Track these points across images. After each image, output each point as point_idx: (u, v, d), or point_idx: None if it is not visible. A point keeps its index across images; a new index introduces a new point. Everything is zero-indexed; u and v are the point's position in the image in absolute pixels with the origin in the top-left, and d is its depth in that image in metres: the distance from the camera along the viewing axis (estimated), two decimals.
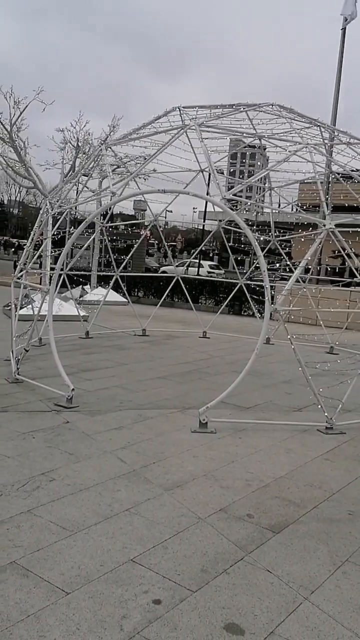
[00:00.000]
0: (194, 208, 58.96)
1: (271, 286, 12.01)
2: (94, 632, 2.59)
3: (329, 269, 23.88)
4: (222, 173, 15.41)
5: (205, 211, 21.85)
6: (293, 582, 3.15)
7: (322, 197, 6.98)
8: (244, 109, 7.99)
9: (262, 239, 12.91)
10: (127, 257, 12.92)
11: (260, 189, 14.53)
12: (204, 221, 21.68)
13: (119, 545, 3.37)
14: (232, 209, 13.93)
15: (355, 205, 9.69)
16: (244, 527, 3.75)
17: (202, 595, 2.94)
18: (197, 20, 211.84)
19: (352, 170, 8.79)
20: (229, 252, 13.95)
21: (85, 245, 12.02)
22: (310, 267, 14.96)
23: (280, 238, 12.45)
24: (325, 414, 6.12)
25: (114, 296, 15.51)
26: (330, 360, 9.99)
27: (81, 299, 15.13)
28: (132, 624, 2.67)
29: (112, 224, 16.33)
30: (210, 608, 2.85)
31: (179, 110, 7.97)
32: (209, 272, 30.93)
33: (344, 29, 18.50)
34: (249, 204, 9.62)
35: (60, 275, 10.36)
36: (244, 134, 7.78)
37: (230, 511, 3.96)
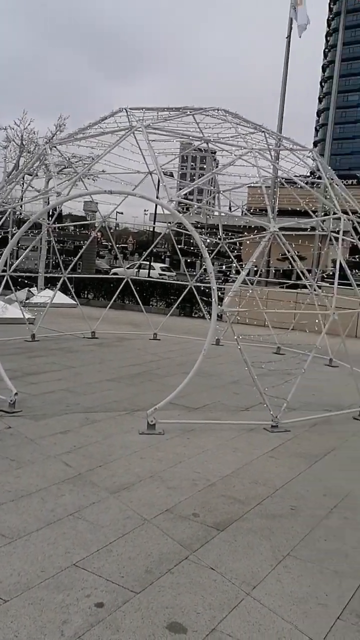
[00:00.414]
0: (145, 210, 58.92)
1: (220, 288, 12.18)
2: (33, 639, 2.55)
3: (277, 271, 24.41)
4: (172, 175, 15.49)
5: (155, 213, 21.87)
6: (236, 578, 3.20)
7: (267, 201, 7.13)
8: (190, 112, 8.07)
9: (208, 241, 13.05)
10: (76, 259, 12.76)
11: (209, 192, 14.68)
12: (154, 223, 21.70)
13: (62, 550, 3.32)
14: (182, 212, 14.01)
15: (299, 209, 9.95)
16: (190, 526, 3.78)
17: (145, 596, 2.95)
18: (151, 24, 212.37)
19: (296, 176, 9.04)
20: (179, 254, 14.02)
21: (31, 246, 11.78)
22: (257, 268, 15.25)
23: (229, 241, 12.63)
24: (271, 413, 6.25)
25: (62, 298, 15.28)
26: (276, 360, 10.20)
27: (27, 301, 14.82)
28: (74, 628, 2.64)
29: (59, 225, 16.09)
30: (153, 608, 2.85)
31: (126, 112, 7.96)
32: (160, 274, 30.99)
33: (288, 38, 18.97)
34: (196, 206, 9.73)
35: (3, 276, 10.14)
36: (191, 137, 7.85)
37: (176, 511, 3.98)
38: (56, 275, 13.89)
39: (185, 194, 7.05)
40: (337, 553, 3.59)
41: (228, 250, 12.64)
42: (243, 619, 2.83)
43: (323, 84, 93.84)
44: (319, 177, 8.92)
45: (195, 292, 13.20)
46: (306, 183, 8.81)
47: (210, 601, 2.96)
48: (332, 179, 8.96)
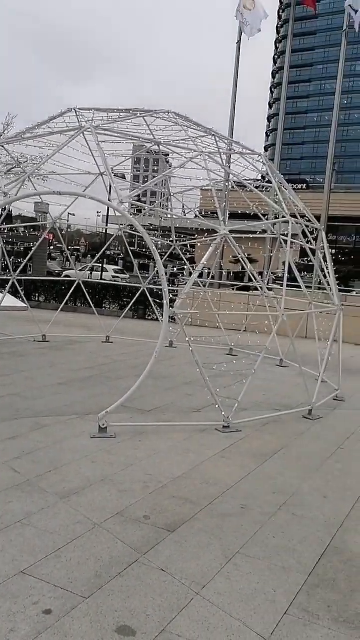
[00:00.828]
0: (97, 212, 58.47)
1: (172, 290, 12.21)
2: None
3: (230, 273, 24.72)
4: (124, 177, 15.44)
5: (107, 215, 21.74)
6: (186, 578, 3.22)
7: (217, 204, 7.21)
8: (140, 114, 8.07)
9: (160, 243, 13.08)
10: (26, 260, 12.52)
11: (162, 194, 14.70)
12: (107, 225, 21.56)
13: (9, 558, 3.25)
14: (134, 214, 13.98)
15: (249, 212, 10.12)
16: (140, 528, 3.77)
17: (94, 601, 2.92)
18: (107, 25, 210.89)
19: (246, 180, 9.19)
20: (132, 256, 13.98)
21: None
22: (208, 270, 15.40)
23: (181, 243, 12.69)
24: (223, 413, 6.32)
25: (12, 301, 14.91)
26: (228, 362, 10.33)
27: None
28: (21, 636, 2.59)
29: (8, 226, 15.74)
30: (102, 613, 2.83)
31: (75, 112, 7.88)
32: (113, 277, 30.79)
33: (238, 43, 19.27)
34: (147, 209, 9.73)
35: None
36: (142, 139, 7.86)
37: (127, 514, 3.97)
38: (5, 277, 13.57)
39: (138, 196, 7.04)
40: (285, 549, 3.67)
41: (180, 252, 12.70)
42: (192, 619, 2.85)
43: (273, 89, 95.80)
44: (269, 181, 9.09)
45: (148, 295, 13.20)
46: (257, 187, 8.97)
47: (160, 602, 2.96)
48: (281, 183, 9.16)
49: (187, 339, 6.40)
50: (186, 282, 14.71)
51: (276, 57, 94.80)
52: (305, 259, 10.54)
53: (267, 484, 4.77)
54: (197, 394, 7.88)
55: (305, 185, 54.38)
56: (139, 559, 3.37)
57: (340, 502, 4.52)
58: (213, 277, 18.47)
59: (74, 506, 4.01)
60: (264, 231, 12.41)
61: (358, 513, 4.35)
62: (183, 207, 14.85)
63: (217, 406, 6.36)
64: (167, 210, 12.60)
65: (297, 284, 9.01)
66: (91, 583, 3.08)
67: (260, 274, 14.87)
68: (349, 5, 18.97)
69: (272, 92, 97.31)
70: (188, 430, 6.14)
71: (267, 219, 9.94)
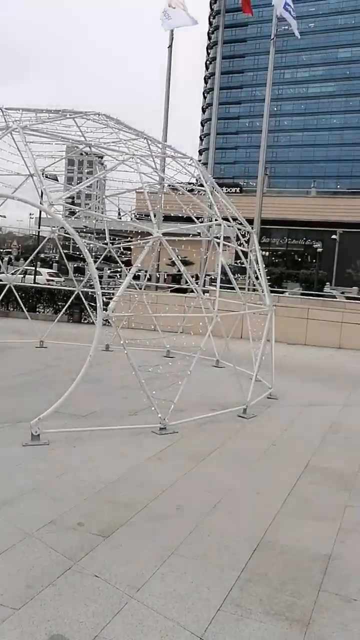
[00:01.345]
0: (30, 214, 56.98)
1: (107, 293, 12.12)
2: None
3: (167, 275, 24.83)
4: (56, 179, 15.16)
5: (40, 217, 21.28)
6: (120, 583, 3.20)
7: (149, 207, 7.23)
8: (70, 115, 7.96)
9: (92, 245, 12.95)
10: None
11: (95, 196, 14.58)
12: (39, 227, 21.11)
13: None
14: (67, 216, 13.76)
15: (185, 215, 10.22)
16: (74, 536, 3.72)
17: (25, 612, 2.85)
18: (38, 24, 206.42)
19: (180, 183, 9.27)
20: (65, 259, 13.75)
21: None
22: (143, 272, 15.39)
23: (116, 245, 12.62)
24: (159, 415, 6.33)
25: None
26: (165, 363, 10.36)
27: None
28: None
29: None
30: (34, 623, 2.77)
31: (1, 112, 7.66)
32: (48, 280, 30.15)
33: (170, 47, 19.44)
34: (78, 211, 9.61)
35: None
36: (72, 141, 7.76)
37: (60, 522, 3.90)
38: None
39: (72, 198, 6.94)
40: (219, 547, 3.73)
41: (115, 255, 12.62)
42: (126, 622, 2.84)
43: (206, 95, 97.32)
44: (201, 185, 9.22)
45: (83, 298, 13.03)
46: (190, 190, 9.08)
47: (93, 609, 2.93)
48: (213, 187, 9.31)
49: (121, 342, 6.37)
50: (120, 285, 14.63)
51: (208, 62, 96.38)
52: (239, 261, 10.77)
53: (203, 484, 4.83)
54: (133, 397, 7.84)
55: (238, 189, 55.55)
56: (72, 567, 3.32)
57: (272, 497, 4.65)
58: (150, 280, 18.50)
59: (5, 517, 3.89)
60: (199, 234, 12.59)
61: (289, 507, 4.48)
62: (119, 209, 14.81)
63: (153, 408, 6.37)
64: (101, 212, 12.49)
65: (232, 285, 9.20)
66: (22, 594, 3.00)
67: (195, 276, 15.05)
68: (277, 16, 19.58)
69: (204, 97, 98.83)
70: (124, 434, 6.11)
71: (201, 222, 10.07)
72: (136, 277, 14.80)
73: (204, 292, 14.53)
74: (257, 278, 9.62)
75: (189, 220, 10.33)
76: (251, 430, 6.71)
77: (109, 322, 6.67)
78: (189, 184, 9.52)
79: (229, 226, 8.70)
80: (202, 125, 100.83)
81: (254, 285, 9.90)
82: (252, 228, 11.89)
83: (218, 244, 8.45)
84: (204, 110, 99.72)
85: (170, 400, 6.65)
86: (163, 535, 3.83)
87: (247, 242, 9.76)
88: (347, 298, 27.94)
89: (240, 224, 9.33)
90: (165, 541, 3.74)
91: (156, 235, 6.90)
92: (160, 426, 6.32)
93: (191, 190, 9.02)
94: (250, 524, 4.12)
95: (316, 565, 3.58)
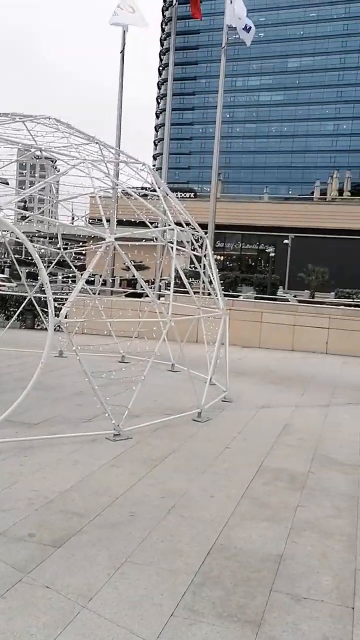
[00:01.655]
0: None
1: (60, 298, 11.96)
2: None
3: (121, 280, 24.74)
4: (7, 183, 14.87)
5: None
6: (72, 593, 3.15)
7: (102, 212, 7.20)
8: (19, 118, 7.83)
9: (44, 251, 12.77)
10: None
11: (48, 201, 14.37)
12: None
13: None
14: (19, 220, 13.50)
15: (138, 220, 10.22)
16: (25, 547, 3.64)
17: None
18: None
19: (133, 188, 9.26)
20: (16, 264, 13.48)
21: None
22: (98, 277, 15.26)
23: (69, 250, 12.47)
24: (113, 422, 6.28)
25: None
26: (119, 369, 10.30)
27: None
28: None
29: None
30: None
31: None
32: None
33: (122, 52, 19.43)
34: (31, 215, 9.49)
35: None
36: (21, 144, 7.63)
37: (10, 534, 3.80)
38: None
39: (24, 202, 6.82)
40: (172, 552, 3.73)
41: (68, 259, 12.47)
42: (78, 633, 2.79)
43: (159, 100, 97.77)
44: (154, 190, 9.23)
45: (36, 304, 12.80)
46: (143, 195, 9.08)
47: (44, 620, 2.87)
48: (166, 193, 9.35)
49: (74, 348, 6.29)
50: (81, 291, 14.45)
51: (161, 68, 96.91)
52: (192, 265, 10.84)
53: (157, 489, 4.82)
54: (87, 403, 7.75)
55: (193, 194, 56.03)
56: (22, 579, 3.25)
57: (226, 500, 4.69)
58: (104, 284, 18.36)
59: None
60: (155, 239, 12.61)
61: (242, 509, 4.53)
62: (72, 213, 14.60)
63: (107, 414, 6.32)
64: (54, 217, 12.31)
65: (187, 289, 9.24)
66: None
67: (149, 281, 15.05)
68: (228, 25, 19.88)
69: (158, 103, 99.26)
70: (78, 442, 6.03)
71: (155, 227, 10.08)
72: (91, 282, 14.67)
73: (159, 296, 14.56)
74: (210, 282, 9.71)
75: (143, 225, 10.33)
76: (205, 433, 6.75)
77: (61, 328, 6.58)
78: (142, 189, 9.52)
79: (181, 231, 8.75)
80: (156, 130, 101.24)
81: (209, 290, 9.99)
82: (206, 233, 11.98)
83: (172, 248, 8.49)
84: (157, 116, 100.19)
85: (124, 406, 6.61)
86: (116, 543, 3.80)
87: (201, 246, 9.84)
88: (300, 301, 28.60)
89: (194, 228, 9.40)
90: (118, 549, 3.71)
91: (109, 240, 6.87)
92: (115, 432, 6.28)
93: (144, 196, 9.02)
94: (204, 527, 4.14)
95: (268, 566, 3.64)
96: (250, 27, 19.28)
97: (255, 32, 19.65)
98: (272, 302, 26.69)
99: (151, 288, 11.85)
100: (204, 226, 19.57)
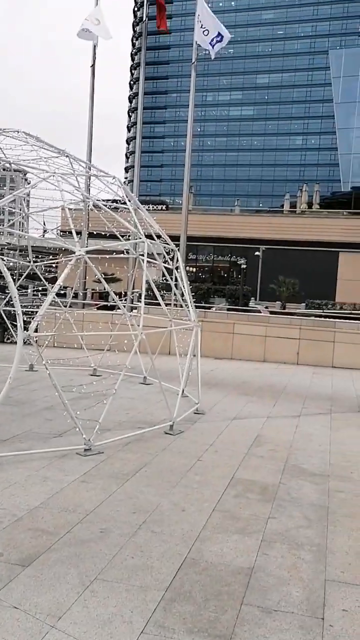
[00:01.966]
0: None
1: (31, 311, 11.82)
2: None
3: (93, 293, 24.60)
4: None
5: None
6: (40, 612, 3.09)
7: (71, 225, 7.18)
8: None
9: (12, 264, 12.64)
10: None
11: (18, 213, 14.25)
12: None
13: None
14: None
15: (109, 233, 10.21)
16: None
17: None
18: None
19: (104, 200, 9.27)
20: None
21: None
22: (70, 289, 15.17)
23: (39, 263, 12.37)
24: (84, 436, 6.22)
25: None
26: (90, 383, 10.21)
27: None
28: None
29: None
30: None
31: None
32: None
33: (93, 66, 19.51)
34: (0, 228, 9.41)
35: None
36: None
37: None
38: None
39: None
40: (143, 568, 3.70)
41: (39, 272, 12.36)
42: None
43: (131, 114, 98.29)
44: (124, 203, 9.26)
45: (5, 317, 12.63)
46: (114, 208, 9.09)
47: None
48: (137, 207, 9.39)
49: (43, 362, 6.23)
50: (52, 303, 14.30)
51: (132, 82, 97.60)
52: (164, 278, 10.87)
53: (128, 504, 4.78)
54: (58, 418, 7.66)
55: (165, 206, 56.28)
56: None
57: (197, 513, 4.67)
58: (76, 297, 18.24)
59: None
60: (127, 251, 12.61)
61: (213, 522, 4.53)
62: (44, 226, 14.53)
63: (77, 429, 6.25)
64: (25, 229, 12.21)
65: (158, 301, 9.26)
66: None
67: (120, 293, 15.00)
68: (197, 41, 20.17)
69: (129, 116, 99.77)
70: (48, 457, 5.94)
71: (126, 240, 10.09)
72: (62, 295, 14.55)
73: (132, 308, 14.54)
74: (182, 295, 9.75)
75: (114, 238, 10.33)
76: (177, 446, 6.74)
77: (30, 342, 6.51)
78: (113, 201, 9.54)
79: (152, 243, 8.78)
80: (128, 143, 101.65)
81: (181, 302, 10.03)
82: (179, 245, 12.00)
83: (142, 261, 8.50)
84: (129, 129, 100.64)
85: (95, 420, 6.56)
86: (86, 560, 3.74)
87: (172, 259, 9.88)
88: (271, 312, 28.91)
89: (164, 241, 9.45)
90: (87, 566, 3.66)
91: (78, 253, 6.84)
92: (86, 447, 6.21)
93: (115, 209, 9.04)
94: (175, 542, 4.12)
95: (239, 579, 3.63)
96: (222, 36, 19.49)
97: (225, 44, 19.85)
98: (244, 313, 26.91)
99: (123, 300, 11.84)
100: (176, 238, 19.68)
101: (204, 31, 18.74)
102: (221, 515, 4.66)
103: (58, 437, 6.89)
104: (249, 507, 4.90)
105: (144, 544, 4.05)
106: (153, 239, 9.22)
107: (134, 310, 14.73)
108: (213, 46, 18.98)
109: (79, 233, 9.01)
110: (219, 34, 18.89)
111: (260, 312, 29.29)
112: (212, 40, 18.91)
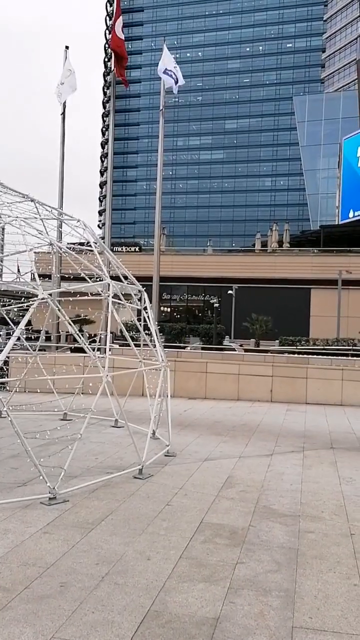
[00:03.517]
0: None
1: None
2: None
3: (68, 335, 24.37)
4: None
5: None
6: None
7: (34, 268, 7.16)
8: None
9: None
10: None
11: None
12: None
13: None
14: None
15: (76, 275, 10.22)
16: None
17: None
18: None
19: (70, 244, 9.32)
20: None
21: None
22: (44, 332, 15.00)
23: (6, 308, 12.26)
24: (48, 485, 6.02)
25: None
26: (59, 427, 9.99)
27: None
28: None
29: None
30: None
31: None
32: None
33: (63, 114, 19.97)
34: None
35: None
36: None
37: None
38: None
39: None
40: (103, 623, 3.53)
41: (7, 317, 12.23)
42: None
43: (103, 159, 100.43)
44: (90, 245, 9.31)
45: None
46: (80, 251, 9.11)
47: None
48: (103, 249, 9.45)
49: (4, 408, 6.08)
50: (20, 347, 14.09)
51: (104, 129, 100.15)
52: (138, 318, 10.86)
53: (91, 555, 4.60)
54: (24, 466, 7.42)
55: (138, 248, 56.96)
56: None
57: (163, 562, 4.52)
58: (49, 339, 18.04)
59: None
60: (99, 293, 12.60)
61: (179, 570, 4.37)
62: (18, 270, 14.43)
63: (41, 477, 6.05)
64: None
65: (135, 342, 9.20)
66: None
67: (94, 334, 14.87)
68: (165, 89, 20.90)
69: (102, 161, 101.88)
70: (10, 508, 5.72)
71: (94, 282, 10.11)
72: (32, 339, 14.38)
73: (101, 350, 14.38)
74: (149, 335, 9.73)
75: (84, 280, 10.35)
76: (146, 491, 6.57)
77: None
78: (80, 244, 9.58)
79: (117, 285, 8.79)
80: (101, 187, 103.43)
81: (149, 342, 9.98)
82: (151, 285, 12.03)
83: (113, 303, 8.49)
84: (102, 174, 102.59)
85: (60, 467, 6.37)
86: (43, 618, 3.56)
87: (140, 300, 9.90)
88: (246, 350, 29.03)
89: (131, 282, 9.48)
90: (44, 624, 3.47)
91: (41, 297, 6.80)
92: (50, 496, 6.01)
93: (80, 251, 9.07)
94: (138, 594, 3.95)
95: (203, 631, 3.49)
96: (177, 79, 20.36)
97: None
98: (219, 352, 26.96)
99: (96, 342, 11.75)
100: (150, 279, 19.80)
101: (165, 70, 19.62)
102: (187, 563, 4.51)
103: (22, 486, 6.66)
104: (216, 552, 4.76)
105: (106, 597, 3.88)
106: (121, 280, 9.24)
107: (101, 352, 14.63)
108: (176, 82, 19.87)
109: (44, 276, 9.01)
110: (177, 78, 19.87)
111: (235, 350, 29.40)
112: (173, 75, 19.82)
